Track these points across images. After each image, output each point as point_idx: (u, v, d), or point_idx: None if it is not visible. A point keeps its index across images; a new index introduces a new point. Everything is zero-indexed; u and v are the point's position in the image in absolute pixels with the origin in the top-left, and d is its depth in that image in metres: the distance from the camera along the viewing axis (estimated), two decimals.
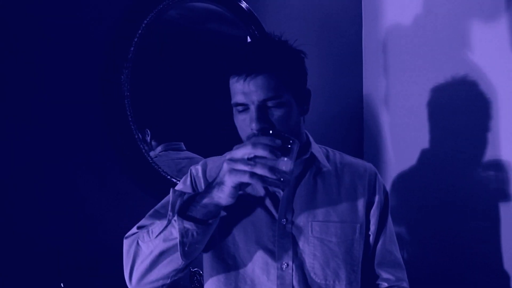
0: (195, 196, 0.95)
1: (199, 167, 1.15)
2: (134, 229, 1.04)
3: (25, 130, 1.23)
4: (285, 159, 0.87)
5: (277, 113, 0.99)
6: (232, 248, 1.06)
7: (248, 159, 0.86)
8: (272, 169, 0.84)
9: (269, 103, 0.98)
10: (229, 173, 0.88)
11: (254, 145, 0.85)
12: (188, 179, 1.14)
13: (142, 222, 1.05)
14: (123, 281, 1.34)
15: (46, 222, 1.25)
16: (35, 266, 1.23)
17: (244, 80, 0.97)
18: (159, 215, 1.04)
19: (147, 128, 1.44)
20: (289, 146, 0.88)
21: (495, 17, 1.58)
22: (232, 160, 0.87)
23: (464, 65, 1.65)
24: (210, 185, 0.92)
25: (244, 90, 0.98)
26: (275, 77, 0.98)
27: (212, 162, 1.16)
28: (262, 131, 0.97)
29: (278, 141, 0.87)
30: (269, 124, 0.98)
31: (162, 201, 1.12)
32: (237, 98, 1.00)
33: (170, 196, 0.98)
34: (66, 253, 1.28)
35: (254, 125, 0.98)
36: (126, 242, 1.02)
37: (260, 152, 0.85)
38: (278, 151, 0.86)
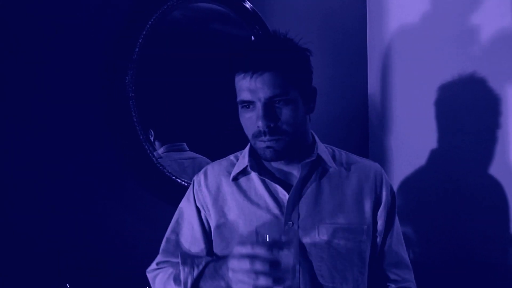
0: (205, 269, 1.00)
1: (201, 178, 1.15)
2: (153, 265, 1.13)
3: (29, 131, 1.23)
4: (285, 252, 0.87)
5: (283, 111, 0.99)
6: None
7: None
8: (276, 279, 0.85)
9: (276, 101, 0.98)
10: (235, 283, 0.91)
11: (252, 260, 0.86)
12: (191, 195, 1.15)
13: (159, 258, 1.13)
14: (128, 281, 1.35)
15: (51, 222, 1.26)
16: (41, 267, 1.23)
17: (251, 77, 0.97)
18: (171, 248, 1.12)
19: (151, 128, 1.44)
20: (289, 239, 0.89)
21: (502, 12, 1.56)
22: (234, 270, 0.89)
23: (472, 62, 1.64)
24: (219, 272, 0.96)
25: (251, 87, 0.97)
26: (282, 74, 0.97)
27: (212, 169, 1.16)
28: (270, 129, 0.97)
29: (276, 250, 0.87)
30: (275, 121, 0.98)
31: (171, 225, 1.16)
32: (243, 95, 0.99)
33: (178, 221, 1.13)
34: (72, 254, 1.28)
35: (260, 123, 0.98)
36: (149, 277, 1.15)
37: (259, 268, 0.85)
38: (277, 251, 0.87)
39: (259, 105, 0.98)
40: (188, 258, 1.04)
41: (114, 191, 1.37)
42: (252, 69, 0.97)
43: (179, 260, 1.07)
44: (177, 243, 1.13)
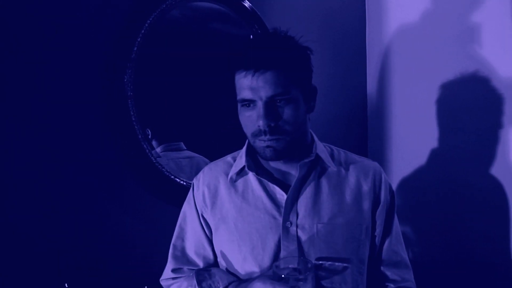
0: None
1: (199, 181, 1.15)
2: (168, 273, 1.14)
3: (28, 130, 1.23)
4: (302, 283, 0.90)
5: (285, 110, 0.98)
6: (239, 256, 1.05)
7: None
8: None
9: (277, 99, 0.97)
10: None
11: None
12: (191, 198, 1.15)
13: (171, 265, 1.14)
14: (126, 281, 1.34)
15: (50, 222, 1.25)
16: (40, 266, 1.23)
17: (253, 75, 0.96)
18: (179, 254, 1.13)
19: (148, 127, 1.44)
20: (305, 276, 0.91)
21: (503, 11, 1.56)
22: None
23: (471, 61, 1.63)
24: None
25: (252, 86, 0.96)
26: (284, 73, 0.96)
27: (209, 171, 1.16)
28: (269, 127, 0.97)
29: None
30: (276, 121, 0.97)
31: (176, 230, 1.17)
32: (244, 93, 0.98)
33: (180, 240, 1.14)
34: (70, 253, 1.28)
35: (261, 122, 0.97)
36: (164, 286, 1.16)
37: None
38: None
39: (260, 104, 0.97)
40: (204, 282, 1.03)
41: (113, 190, 1.36)
42: (254, 67, 0.96)
43: (191, 270, 1.09)
44: (184, 249, 1.14)
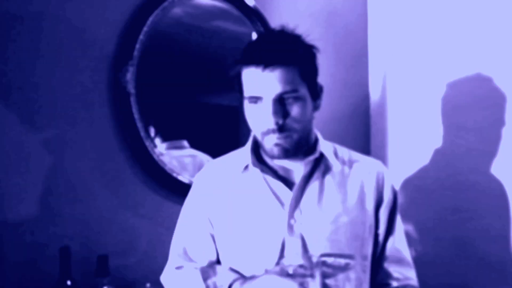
0: None
1: (201, 177, 1.15)
2: (171, 269, 1.11)
3: (30, 128, 1.23)
4: (309, 280, 0.91)
5: (293, 108, 0.97)
6: (243, 254, 1.05)
7: None
8: None
9: (286, 97, 0.97)
10: None
11: None
12: (193, 195, 1.15)
13: (174, 262, 1.12)
14: (129, 279, 1.34)
15: (53, 219, 1.25)
16: (41, 264, 1.22)
17: (262, 72, 0.95)
18: (181, 251, 1.11)
19: (151, 125, 1.44)
20: (313, 272, 0.91)
21: (505, 9, 1.55)
22: None
23: (473, 59, 1.63)
24: None
25: (261, 82, 0.95)
26: (293, 70, 0.96)
27: (212, 168, 1.15)
28: (278, 126, 0.96)
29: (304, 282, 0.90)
30: (284, 118, 0.97)
31: (177, 227, 1.15)
32: (252, 90, 0.97)
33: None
34: (73, 251, 1.27)
35: (270, 119, 0.96)
36: (166, 280, 1.13)
37: None
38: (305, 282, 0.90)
39: (268, 101, 0.96)
40: (209, 279, 1.02)
41: (115, 187, 1.36)
42: (263, 63, 0.94)
43: (195, 266, 1.08)
44: (185, 247, 1.12)
